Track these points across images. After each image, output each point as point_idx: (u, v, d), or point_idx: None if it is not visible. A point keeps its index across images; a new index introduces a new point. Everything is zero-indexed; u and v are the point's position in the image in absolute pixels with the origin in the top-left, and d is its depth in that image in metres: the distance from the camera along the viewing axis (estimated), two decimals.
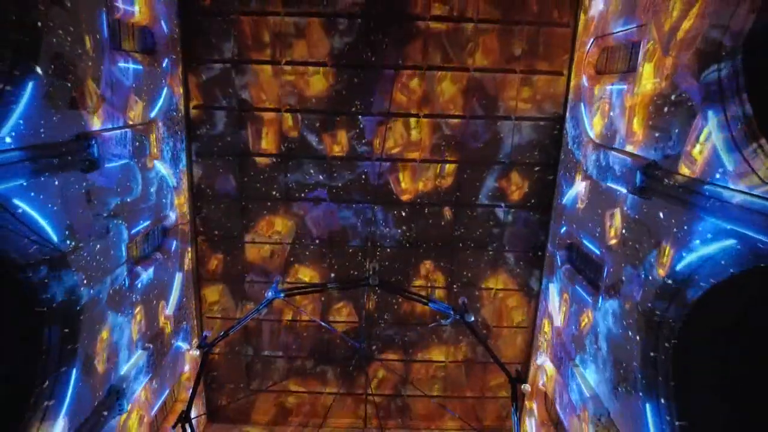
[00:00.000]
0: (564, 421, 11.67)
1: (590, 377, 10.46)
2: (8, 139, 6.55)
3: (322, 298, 13.95)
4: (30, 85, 6.84)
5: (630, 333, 8.72)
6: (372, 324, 14.10)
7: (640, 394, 8.30)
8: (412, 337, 14.34)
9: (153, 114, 10.87)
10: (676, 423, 7.53)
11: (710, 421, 7.38)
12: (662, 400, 7.87)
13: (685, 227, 7.30)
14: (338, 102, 12.59)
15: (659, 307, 7.87)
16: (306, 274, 13.80)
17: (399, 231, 13.58)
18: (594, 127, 10.90)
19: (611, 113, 10.08)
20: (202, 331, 13.60)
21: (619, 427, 9.06)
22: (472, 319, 9.84)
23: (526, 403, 14.20)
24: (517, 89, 12.54)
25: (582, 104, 11.52)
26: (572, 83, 12.26)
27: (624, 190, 8.92)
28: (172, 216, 12.32)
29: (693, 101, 7.29)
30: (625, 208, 9.21)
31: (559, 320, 12.51)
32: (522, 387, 9.30)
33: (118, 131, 9.09)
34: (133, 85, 9.88)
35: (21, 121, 6.72)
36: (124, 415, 9.91)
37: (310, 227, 13.50)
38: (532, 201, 13.37)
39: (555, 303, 12.76)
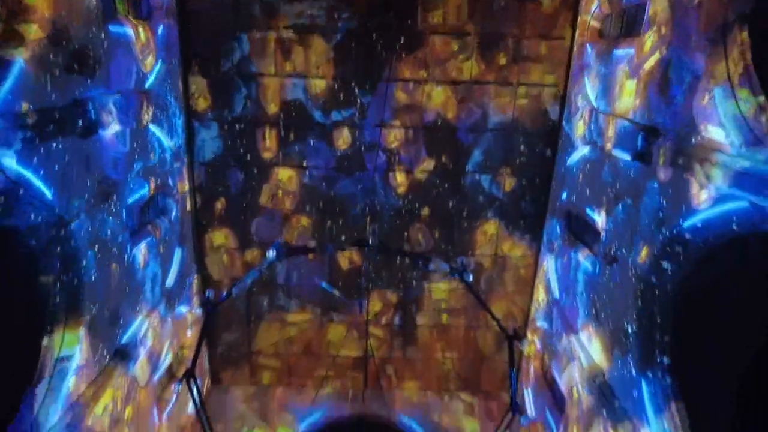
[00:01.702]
0: (559, 383, 11.94)
1: (587, 341, 10.65)
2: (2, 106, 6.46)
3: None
4: (22, 51, 6.69)
5: (627, 298, 8.84)
6: (372, 281, 14.34)
7: (636, 358, 8.49)
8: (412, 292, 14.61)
9: (151, 80, 10.69)
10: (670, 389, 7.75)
11: (706, 391, 7.54)
12: (657, 363, 8.06)
13: (686, 192, 7.31)
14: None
15: (657, 271, 7.96)
16: (307, 222, 13.81)
17: (398, 199, 13.62)
18: (596, 94, 10.78)
19: (614, 79, 9.95)
20: (205, 291, 13.75)
21: (615, 391, 9.28)
22: (471, 278, 9.99)
23: (523, 364, 14.50)
24: (517, 54, 12.32)
25: (584, 71, 11.36)
26: (575, 49, 12.04)
27: (625, 156, 8.89)
28: (174, 183, 12.27)
29: (697, 67, 7.20)
30: (626, 174, 9.20)
31: (556, 285, 12.66)
32: (519, 345, 9.41)
33: (115, 96, 8.96)
34: (128, 51, 9.68)
35: (15, 88, 6.61)
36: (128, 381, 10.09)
37: (312, 192, 13.52)
38: (532, 169, 13.34)
39: (552, 269, 12.88)
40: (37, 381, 7.73)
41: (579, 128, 11.41)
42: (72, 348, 8.16)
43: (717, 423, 7.54)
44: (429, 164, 13.33)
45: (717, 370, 7.31)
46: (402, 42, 12.17)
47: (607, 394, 9.33)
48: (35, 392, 7.66)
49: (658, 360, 8.01)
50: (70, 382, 8.17)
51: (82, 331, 8.33)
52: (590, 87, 11.04)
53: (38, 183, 7.18)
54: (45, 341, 7.93)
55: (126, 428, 9.93)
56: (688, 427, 7.54)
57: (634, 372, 8.56)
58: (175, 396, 12.42)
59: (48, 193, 7.38)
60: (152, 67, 10.77)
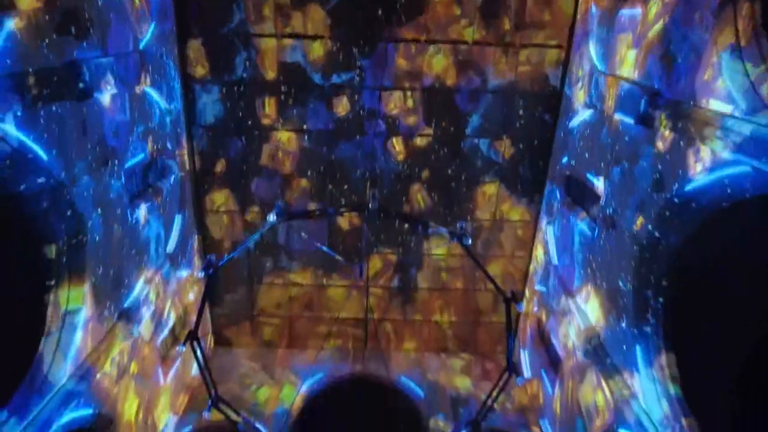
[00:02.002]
0: (555, 344, 12.22)
1: (583, 302, 10.85)
2: None
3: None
4: (16, 21, 6.57)
5: (623, 260, 8.96)
6: (372, 245, 14.51)
7: (631, 321, 8.67)
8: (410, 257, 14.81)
9: (146, 42, 10.52)
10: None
11: (700, 356, 7.70)
12: (649, 322, 8.23)
13: (685, 157, 7.33)
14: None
15: (655, 235, 8.05)
16: (307, 184, 13.82)
17: (398, 164, 13.62)
18: (600, 56, 10.63)
19: (616, 46, 9.80)
20: (206, 252, 13.88)
21: (609, 350, 9.51)
22: (470, 242, 10.08)
23: (520, 324, 14.79)
24: (519, 20, 12.06)
25: (589, 33, 11.17)
26: (579, 11, 11.79)
27: (628, 120, 8.85)
28: (174, 146, 12.25)
29: (701, 39, 7.10)
30: (624, 138, 9.19)
31: (554, 247, 12.79)
32: (516, 307, 9.54)
33: (109, 58, 8.85)
34: (122, 13, 9.50)
35: (8, 51, 6.53)
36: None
37: (312, 155, 13.50)
38: (531, 133, 13.26)
39: (551, 231, 12.99)
40: (46, 333, 7.93)
41: (580, 93, 11.31)
42: (78, 303, 8.35)
43: (709, 380, 7.74)
44: (428, 129, 13.25)
45: (710, 330, 7.46)
46: (402, 3, 11.91)
47: (601, 355, 9.58)
48: (45, 347, 7.86)
49: (651, 319, 8.19)
50: (79, 337, 8.39)
51: (86, 288, 8.49)
52: (594, 51, 10.88)
53: (39, 149, 7.18)
54: (51, 297, 8.09)
55: (132, 381, 10.26)
56: (677, 377, 7.78)
57: (627, 330, 8.77)
58: (179, 357, 12.73)
59: (50, 158, 7.40)
60: (147, 30, 10.59)
